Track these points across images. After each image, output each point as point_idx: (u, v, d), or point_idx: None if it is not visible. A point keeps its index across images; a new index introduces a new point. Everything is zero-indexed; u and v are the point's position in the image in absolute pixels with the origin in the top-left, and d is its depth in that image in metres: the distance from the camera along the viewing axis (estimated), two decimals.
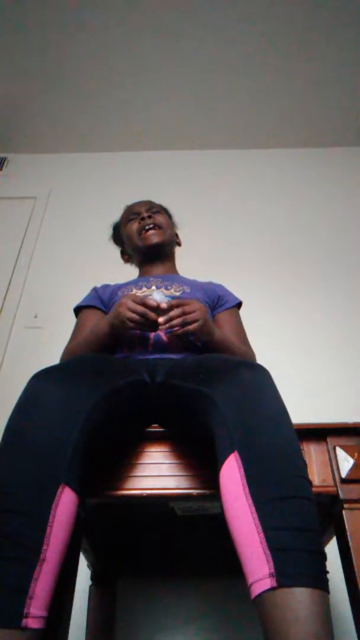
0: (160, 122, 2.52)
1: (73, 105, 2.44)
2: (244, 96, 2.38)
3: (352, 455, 0.76)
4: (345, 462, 0.75)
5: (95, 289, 1.29)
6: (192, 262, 2.14)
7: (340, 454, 0.76)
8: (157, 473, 0.78)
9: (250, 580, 0.54)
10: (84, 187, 2.54)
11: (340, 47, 2.17)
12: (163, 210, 1.39)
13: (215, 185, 2.50)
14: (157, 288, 1.17)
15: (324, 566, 0.55)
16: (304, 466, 0.62)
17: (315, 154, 2.61)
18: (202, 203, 2.42)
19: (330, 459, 0.77)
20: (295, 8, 2.03)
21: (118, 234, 1.44)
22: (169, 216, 1.42)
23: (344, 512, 0.72)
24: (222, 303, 1.23)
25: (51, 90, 2.37)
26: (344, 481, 0.74)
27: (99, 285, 1.32)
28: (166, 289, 1.18)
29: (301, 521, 0.56)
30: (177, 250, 1.44)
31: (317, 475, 0.76)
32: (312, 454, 0.78)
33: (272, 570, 0.52)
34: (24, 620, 0.50)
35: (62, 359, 1.10)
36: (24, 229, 2.35)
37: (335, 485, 0.74)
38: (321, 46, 2.16)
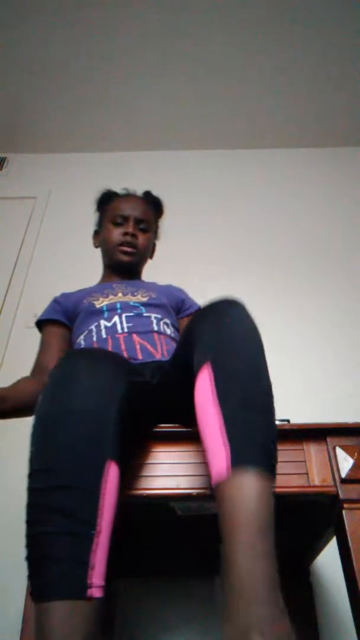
0: (160, 122, 2.52)
1: (73, 105, 2.44)
2: (244, 96, 2.38)
3: (352, 455, 0.76)
4: (345, 462, 0.75)
5: (55, 300, 1.25)
6: (191, 263, 2.14)
7: (340, 454, 0.76)
8: (157, 473, 0.78)
9: (212, 474, 0.59)
10: (84, 187, 2.53)
11: (341, 47, 2.17)
12: (152, 222, 1.34)
13: (216, 186, 2.50)
14: (124, 295, 1.17)
15: (275, 460, 0.60)
16: (270, 383, 0.66)
17: (315, 154, 2.61)
18: (202, 203, 2.42)
19: (330, 459, 0.77)
20: (295, 8, 2.03)
21: (102, 209, 1.36)
22: (157, 226, 1.38)
23: (344, 512, 0.72)
24: (186, 307, 1.28)
25: (51, 90, 2.37)
26: (344, 481, 0.74)
27: (58, 294, 1.28)
28: (132, 294, 1.17)
29: (264, 434, 0.60)
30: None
31: (317, 475, 0.76)
32: (312, 454, 0.78)
33: (229, 463, 0.56)
34: (89, 591, 0.53)
35: (32, 373, 1.13)
36: (24, 229, 2.34)
37: (335, 485, 0.74)
38: (322, 45, 2.16)
